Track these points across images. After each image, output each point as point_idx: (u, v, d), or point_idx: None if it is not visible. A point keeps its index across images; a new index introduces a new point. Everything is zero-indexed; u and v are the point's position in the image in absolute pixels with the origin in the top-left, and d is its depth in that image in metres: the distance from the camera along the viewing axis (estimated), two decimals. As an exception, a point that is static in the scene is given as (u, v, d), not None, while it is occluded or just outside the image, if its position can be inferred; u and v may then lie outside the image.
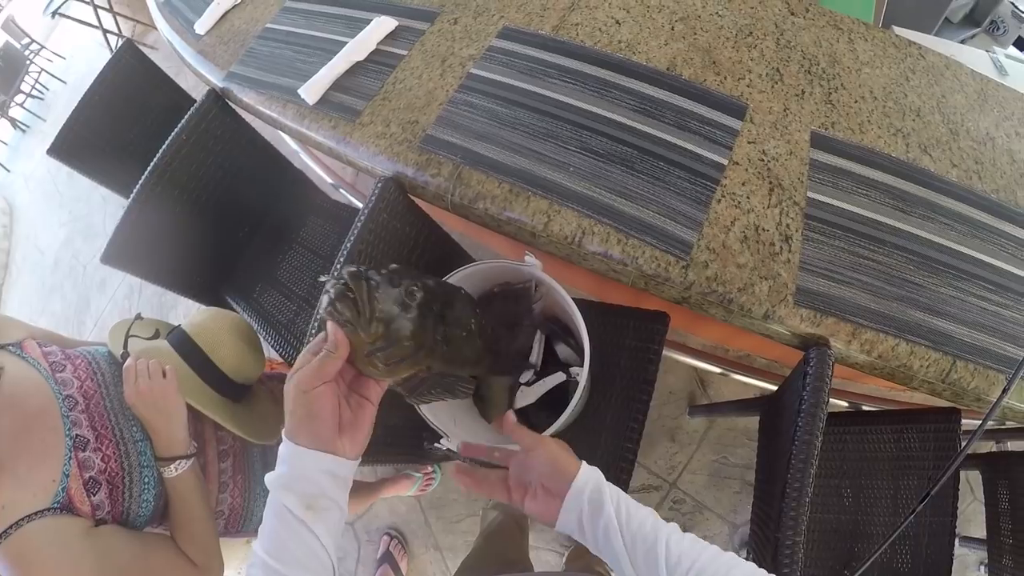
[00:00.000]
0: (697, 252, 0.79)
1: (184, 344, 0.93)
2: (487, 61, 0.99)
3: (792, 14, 1.02)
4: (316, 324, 0.85)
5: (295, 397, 0.46)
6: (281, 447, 0.46)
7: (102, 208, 3.03)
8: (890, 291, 0.79)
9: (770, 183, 0.85)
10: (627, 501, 0.51)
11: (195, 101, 1.16)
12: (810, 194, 0.84)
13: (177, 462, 0.78)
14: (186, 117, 1.13)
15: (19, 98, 4.15)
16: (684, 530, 0.49)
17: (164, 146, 1.12)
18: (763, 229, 0.81)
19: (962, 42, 1.77)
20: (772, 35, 1.00)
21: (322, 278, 0.51)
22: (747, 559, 0.48)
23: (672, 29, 1.00)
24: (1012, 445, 1.17)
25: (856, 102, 0.94)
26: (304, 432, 0.45)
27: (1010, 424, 0.85)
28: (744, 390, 1.54)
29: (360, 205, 0.92)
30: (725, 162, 0.86)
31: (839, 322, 0.77)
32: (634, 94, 0.92)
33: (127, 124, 1.35)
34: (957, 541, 0.94)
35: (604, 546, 0.49)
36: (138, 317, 0.97)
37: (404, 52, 1.05)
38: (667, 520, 0.50)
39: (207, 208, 1.26)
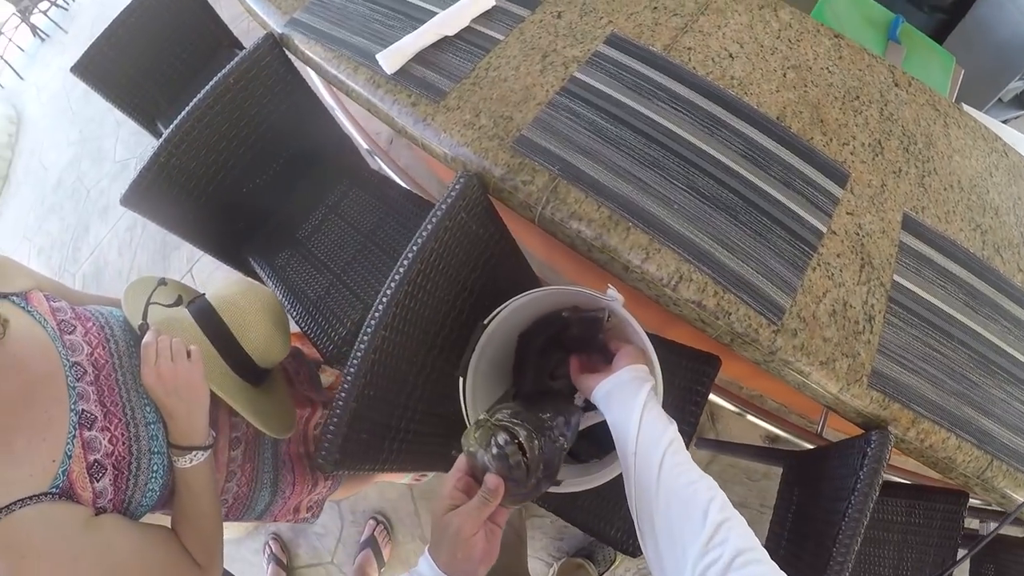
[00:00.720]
0: (788, 318, 0.79)
1: (209, 320, 0.84)
2: (592, 67, 0.94)
3: (896, 85, 1.03)
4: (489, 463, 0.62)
5: (457, 540, 0.49)
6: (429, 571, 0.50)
7: (115, 132, 2.82)
8: (950, 385, 0.83)
9: (862, 259, 0.86)
10: (653, 405, 0.61)
11: (237, 40, 1.05)
12: (896, 277, 0.86)
13: (193, 453, 0.71)
14: (237, 59, 1.02)
15: (43, 5, 3.99)
16: None
17: (208, 87, 1.00)
18: (851, 306, 0.82)
19: (1005, 122, 1.86)
20: (877, 104, 1.00)
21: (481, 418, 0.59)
22: None
23: (784, 76, 0.98)
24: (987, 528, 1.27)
25: (945, 190, 0.96)
26: (458, 572, 0.49)
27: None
28: (752, 430, 1.59)
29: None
30: (824, 229, 0.86)
31: (903, 409, 0.79)
32: (743, 138, 0.90)
33: (160, 52, 1.23)
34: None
35: (617, 424, 0.59)
36: (162, 282, 0.88)
37: (500, 37, 0.98)
38: None
39: (242, 159, 1.16)
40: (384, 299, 0.78)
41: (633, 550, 0.95)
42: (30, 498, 0.56)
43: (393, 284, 0.78)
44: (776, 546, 0.99)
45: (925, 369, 0.82)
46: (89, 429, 0.63)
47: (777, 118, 0.93)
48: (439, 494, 0.54)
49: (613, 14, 1.01)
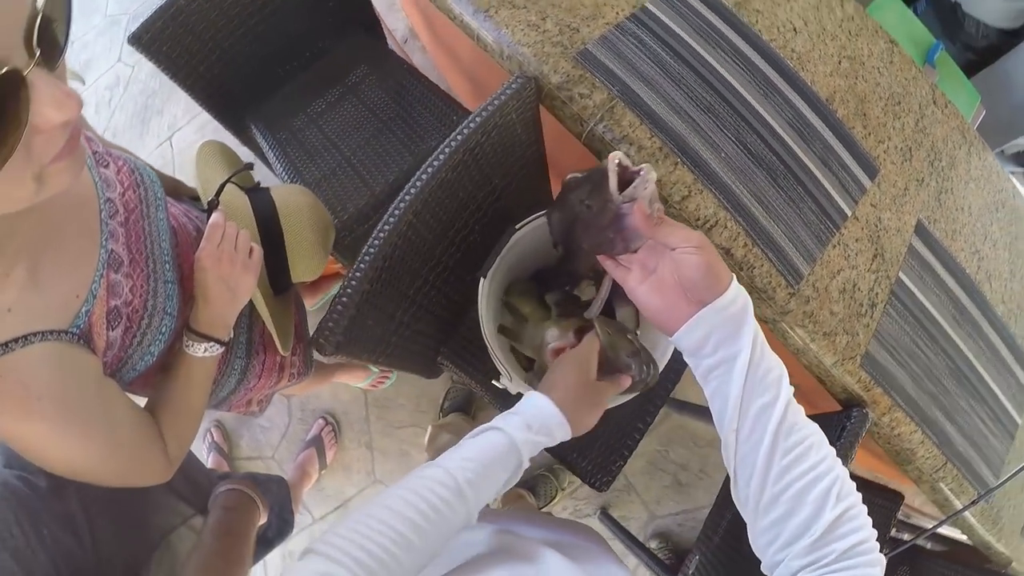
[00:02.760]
0: (804, 285, 0.85)
1: (268, 220, 0.83)
2: (665, 2, 0.96)
3: (934, 103, 1.11)
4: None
5: (600, 408, 0.58)
6: (547, 405, 0.54)
7: None
8: (927, 385, 0.92)
9: (875, 250, 0.93)
10: (762, 339, 0.47)
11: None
12: (901, 275, 0.94)
13: (210, 344, 0.70)
14: None
15: None
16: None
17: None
18: (859, 288, 0.89)
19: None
20: (915, 114, 1.07)
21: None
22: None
23: (839, 63, 1.04)
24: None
25: (957, 210, 1.05)
26: (580, 425, 0.56)
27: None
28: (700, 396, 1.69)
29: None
30: (849, 213, 0.92)
31: (884, 394, 0.87)
32: (793, 109, 0.95)
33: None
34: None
35: (717, 380, 0.47)
36: (248, 167, 0.85)
37: (580, -54, 0.98)
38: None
39: (266, 20, 1.11)
40: (420, 180, 0.77)
41: (600, 485, 1.00)
42: (50, 332, 0.52)
43: (432, 167, 0.77)
44: (720, 513, 1.07)
45: (909, 364, 0.91)
46: (116, 272, 0.61)
47: (826, 100, 0.99)
48: (587, 364, 0.60)
49: (693, -42, 1.03)
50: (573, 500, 1.64)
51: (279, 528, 1.02)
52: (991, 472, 0.95)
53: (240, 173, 0.85)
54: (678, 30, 0.94)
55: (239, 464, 1.65)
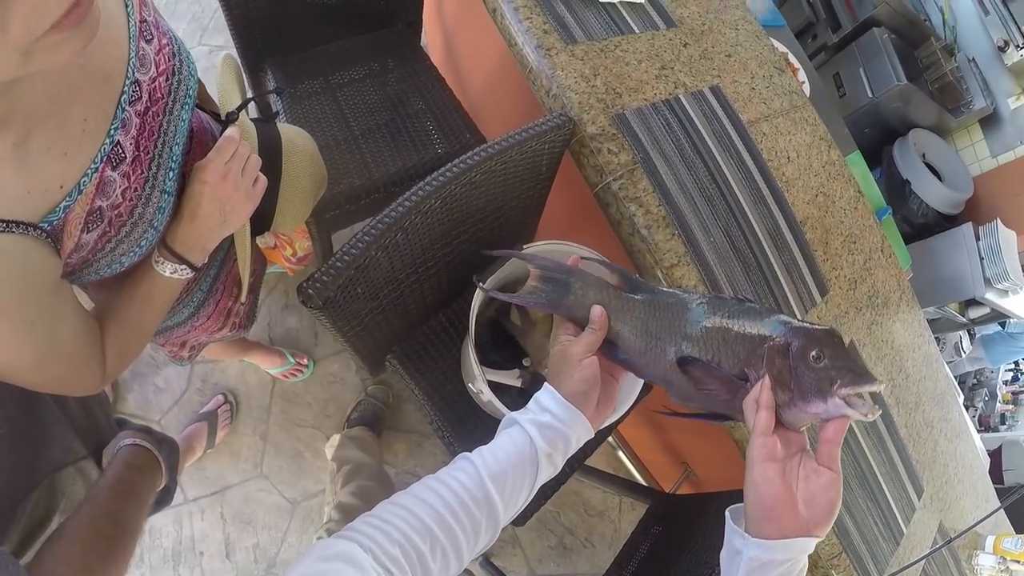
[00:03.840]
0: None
1: (270, 156, 0.80)
2: (694, 100, 1.12)
3: (881, 251, 1.33)
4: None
5: (572, 365, 0.55)
6: (545, 397, 0.55)
7: None
8: (829, 484, 1.06)
9: (813, 356, 1.08)
10: None
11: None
12: (829, 383, 1.10)
13: (182, 266, 0.66)
14: None
15: None
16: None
17: None
18: (794, 384, 1.03)
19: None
20: (865, 255, 1.28)
21: None
22: None
23: (816, 196, 1.23)
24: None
25: (882, 342, 1.24)
26: (580, 396, 0.55)
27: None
28: (605, 466, 1.78)
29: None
30: (800, 318, 1.08)
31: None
32: (774, 220, 1.11)
33: None
34: None
35: None
36: (278, 90, 0.85)
37: (636, 30, 1.14)
38: None
39: None
40: (452, 171, 0.84)
41: (519, 520, 1.05)
42: (15, 224, 0.45)
43: (467, 163, 0.85)
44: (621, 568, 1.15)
45: (818, 461, 1.05)
46: (114, 168, 0.55)
47: (800, 221, 1.16)
48: (555, 340, 0.60)
49: (722, 72, 1.21)
50: None
51: (160, 497, 0.90)
52: (876, 570, 1.08)
53: (271, 95, 0.83)
54: (699, 126, 1.10)
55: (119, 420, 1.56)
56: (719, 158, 1.09)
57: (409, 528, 0.44)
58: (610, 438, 1.77)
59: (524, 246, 0.93)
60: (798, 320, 0.53)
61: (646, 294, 0.59)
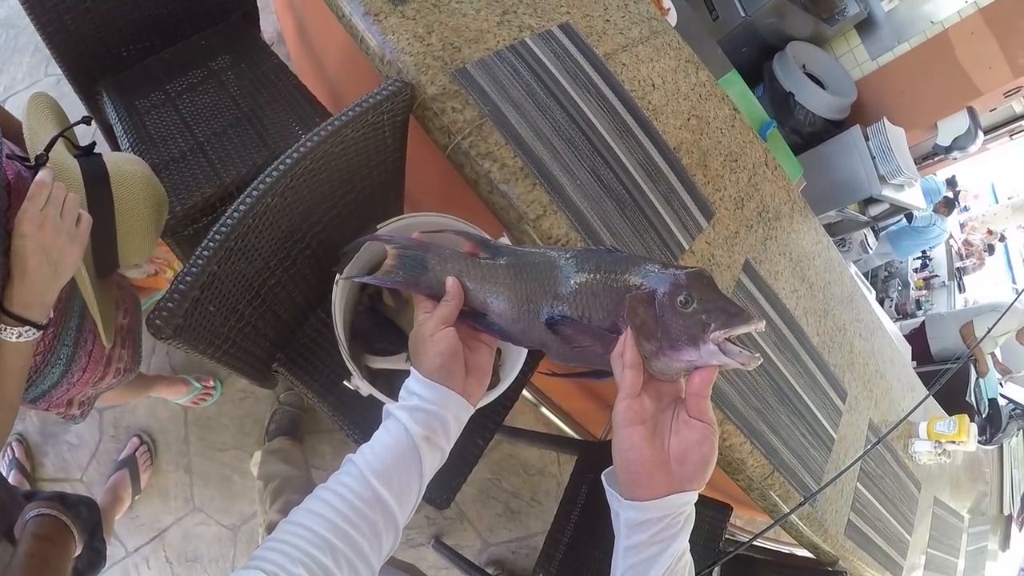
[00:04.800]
0: (642, 306, 0.95)
1: (99, 188, 0.76)
2: (543, 41, 1.06)
3: (765, 165, 1.32)
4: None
5: (425, 342, 0.52)
6: (411, 381, 0.52)
7: None
8: (752, 401, 1.05)
9: (707, 281, 1.06)
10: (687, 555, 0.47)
11: None
12: (728, 305, 1.08)
13: (26, 328, 0.63)
14: None
15: None
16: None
17: None
18: (691, 313, 1.01)
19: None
20: (748, 171, 1.26)
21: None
22: None
23: (688, 120, 1.20)
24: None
25: (779, 255, 1.23)
26: (439, 372, 0.51)
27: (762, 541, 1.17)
28: (535, 423, 1.77)
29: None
30: (687, 247, 1.05)
31: (715, 407, 0.98)
32: (644, 152, 1.07)
33: None
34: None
35: (640, 558, 0.45)
36: (86, 121, 0.78)
37: (469, -22, 1.06)
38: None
39: None
40: (285, 163, 0.77)
41: (441, 503, 1.00)
42: None
43: (298, 152, 0.78)
44: (559, 531, 1.12)
45: (737, 382, 1.04)
46: None
47: (674, 148, 1.13)
48: (415, 319, 0.55)
49: (572, 7, 1.15)
50: (404, 529, 1.61)
51: (91, 560, 0.90)
52: (813, 480, 1.09)
53: (72, 130, 0.78)
54: (551, 67, 1.04)
55: (43, 486, 1.45)
56: (576, 97, 1.03)
57: (308, 544, 0.43)
58: (529, 396, 1.74)
59: (378, 226, 0.86)
60: (665, 265, 0.48)
61: (509, 257, 0.54)
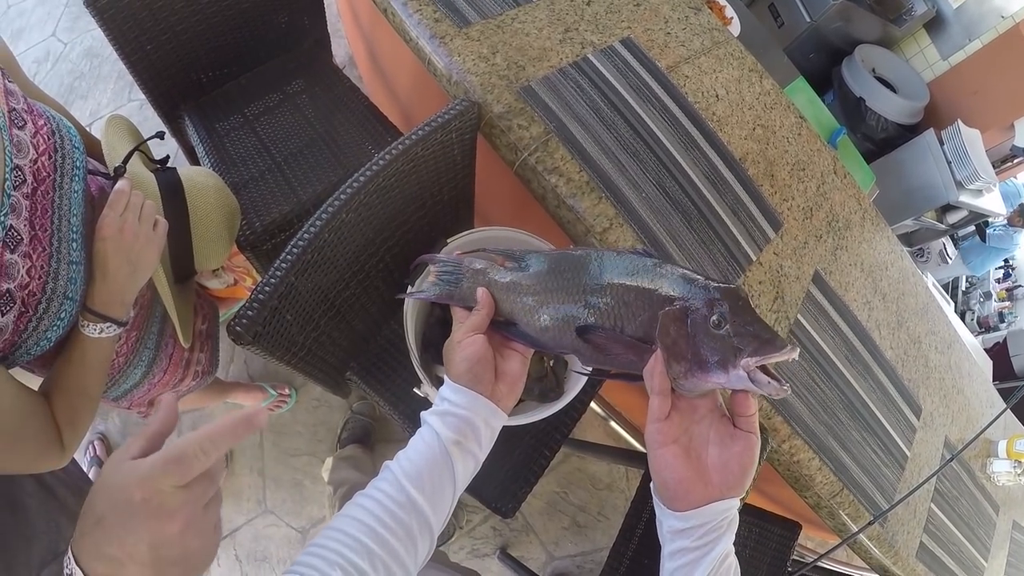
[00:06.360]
0: (710, 319, 0.93)
1: (173, 198, 0.81)
2: (605, 57, 1.07)
3: (835, 173, 1.27)
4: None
5: (453, 349, 0.54)
6: (443, 387, 0.53)
7: None
8: (822, 416, 1.00)
9: (776, 292, 1.03)
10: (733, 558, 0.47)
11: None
12: (799, 316, 1.04)
13: (107, 324, 0.66)
14: None
15: None
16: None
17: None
18: (759, 327, 0.98)
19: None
20: (816, 180, 1.22)
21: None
22: None
23: (753, 129, 1.17)
24: None
25: (850, 265, 1.18)
26: (466, 376, 0.52)
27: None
28: (604, 437, 1.75)
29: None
30: (754, 258, 1.02)
31: (784, 422, 0.95)
32: (710, 163, 1.06)
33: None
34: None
35: (684, 560, 0.45)
36: (159, 136, 0.84)
37: (533, -2, 1.08)
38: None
39: (220, 11, 1.14)
40: (358, 181, 0.80)
41: (506, 511, 1.01)
42: None
43: (371, 171, 0.81)
44: (623, 546, 1.10)
45: (806, 397, 1.00)
46: (12, 252, 0.56)
47: (740, 159, 1.11)
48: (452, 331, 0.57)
49: (633, 22, 1.15)
50: (471, 539, 1.62)
51: None
52: (884, 499, 1.03)
53: (145, 146, 0.84)
54: (614, 82, 1.04)
55: (120, 483, 1.55)
56: (640, 111, 1.03)
57: (345, 548, 0.44)
58: (599, 409, 1.72)
59: (448, 240, 0.88)
60: (699, 278, 0.47)
61: (536, 265, 0.55)
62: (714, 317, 0.44)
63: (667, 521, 0.47)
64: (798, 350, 0.43)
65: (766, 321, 0.45)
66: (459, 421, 0.51)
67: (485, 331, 0.55)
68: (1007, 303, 2.49)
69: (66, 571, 0.43)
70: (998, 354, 2.30)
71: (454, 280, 0.59)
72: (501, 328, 0.55)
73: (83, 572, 0.38)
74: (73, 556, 0.41)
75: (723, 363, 0.43)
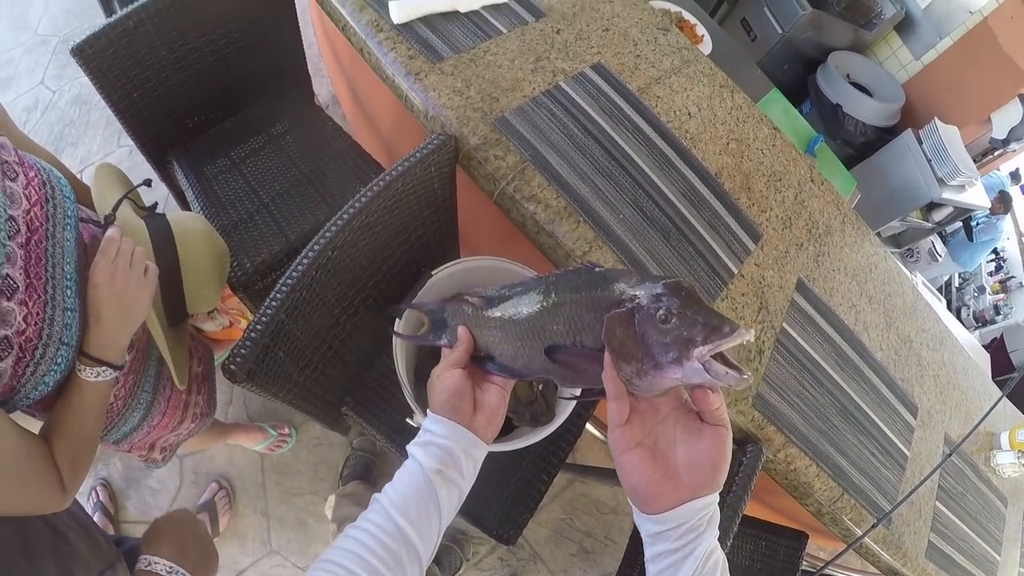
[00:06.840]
0: (695, 333, 0.94)
1: (164, 244, 0.84)
2: (576, 83, 1.10)
3: (811, 181, 1.29)
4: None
5: (434, 382, 0.56)
6: (427, 419, 0.55)
7: (44, 4, 2.44)
8: (816, 422, 1.00)
9: (760, 303, 1.04)
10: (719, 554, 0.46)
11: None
12: (785, 325, 1.05)
13: (103, 368, 0.68)
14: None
15: None
16: None
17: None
18: (745, 338, 0.99)
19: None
20: (793, 189, 1.24)
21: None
22: None
23: (727, 144, 1.20)
24: None
25: (834, 271, 1.19)
26: (445, 407, 0.54)
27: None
28: (605, 460, 1.73)
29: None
30: (735, 271, 1.03)
31: (777, 432, 0.95)
32: (686, 180, 1.08)
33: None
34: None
35: (667, 563, 0.45)
36: (147, 183, 0.87)
37: (504, 30, 1.11)
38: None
39: (204, 59, 1.17)
40: (342, 219, 0.82)
41: (508, 538, 1.00)
42: None
43: (353, 208, 0.83)
44: (632, 561, 1.09)
45: (798, 404, 1.00)
46: (8, 299, 0.58)
47: (715, 174, 1.13)
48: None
49: (603, 48, 1.18)
50: (478, 571, 1.61)
51: None
52: (887, 501, 1.03)
53: (135, 193, 0.86)
54: (587, 107, 1.07)
55: (125, 528, 1.53)
56: (613, 133, 1.06)
57: None
58: (598, 433, 1.72)
59: (432, 272, 0.90)
60: (642, 278, 0.46)
61: (501, 302, 0.57)
62: (660, 312, 0.42)
63: (643, 525, 0.46)
64: (752, 331, 0.41)
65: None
66: (440, 451, 0.53)
67: (466, 366, 0.57)
68: (1001, 295, 2.49)
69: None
70: (996, 350, 2.30)
71: (442, 324, 0.62)
72: (481, 363, 0.57)
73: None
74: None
75: (675, 357, 0.42)
